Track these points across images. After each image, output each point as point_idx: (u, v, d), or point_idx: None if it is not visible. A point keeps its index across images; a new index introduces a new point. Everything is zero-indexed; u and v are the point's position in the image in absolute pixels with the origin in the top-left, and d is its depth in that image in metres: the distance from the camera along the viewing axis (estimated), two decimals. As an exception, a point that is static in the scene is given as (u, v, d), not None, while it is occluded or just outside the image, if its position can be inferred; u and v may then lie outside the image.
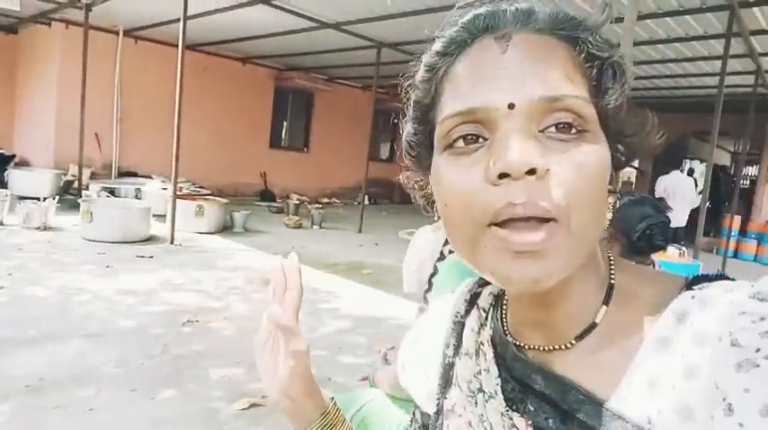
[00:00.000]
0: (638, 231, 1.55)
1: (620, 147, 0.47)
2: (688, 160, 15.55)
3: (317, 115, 12.92)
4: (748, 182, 12.93)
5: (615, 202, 0.47)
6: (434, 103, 0.47)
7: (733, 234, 9.39)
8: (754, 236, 9.75)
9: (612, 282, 0.48)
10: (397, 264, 7.02)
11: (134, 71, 9.55)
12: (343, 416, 0.64)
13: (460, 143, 0.43)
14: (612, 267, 0.49)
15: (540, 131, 0.41)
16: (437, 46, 0.47)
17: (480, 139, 0.42)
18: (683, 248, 3.80)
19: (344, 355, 3.34)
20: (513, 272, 0.40)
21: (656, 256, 1.80)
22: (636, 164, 0.51)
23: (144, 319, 3.65)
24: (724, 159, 14.14)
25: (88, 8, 7.76)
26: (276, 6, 6.89)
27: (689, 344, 0.40)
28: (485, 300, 0.57)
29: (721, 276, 0.45)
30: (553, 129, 0.41)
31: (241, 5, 6.98)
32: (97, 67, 8.61)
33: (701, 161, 13.08)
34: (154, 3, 7.32)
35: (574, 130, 0.41)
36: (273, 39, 8.73)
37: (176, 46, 6.21)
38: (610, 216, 0.46)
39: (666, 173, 8.41)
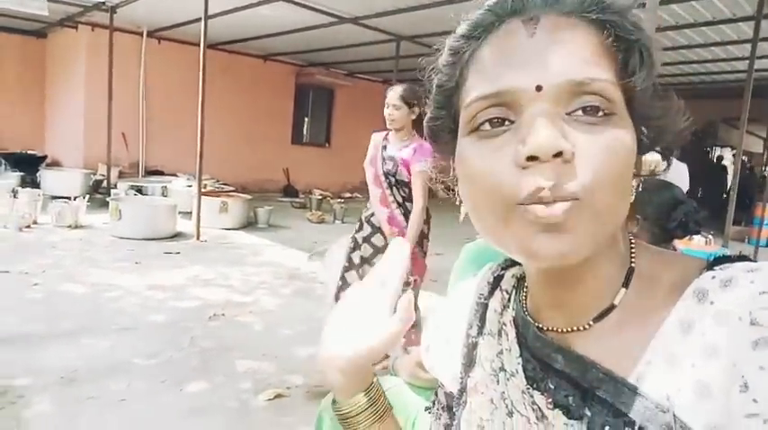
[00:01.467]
0: (675, 220, 1.54)
1: (645, 130, 0.46)
2: (718, 148, 15.16)
3: (338, 110, 12.97)
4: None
5: (639, 185, 0.47)
6: (459, 87, 0.47)
7: (766, 222, 9.12)
8: (787, 224, 9.44)
9: (633, 264, 0.48)
10: (419, 257, 6.83)
11: (158, 71, 9.73)
12: (382, 391, 0.61)
13: (487, 126, 0.43)
14: (633, 250, 0.49)
15: (567, 114, 0.41)
16: (462, 29, 0.47)
17: (507, 122, 0.42)
18: (710, 236, 3.71)
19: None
20: (541, 246, 0.41)
21: (681, 244, 1.78)
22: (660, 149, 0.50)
23: (173, 314, 3.74)
24: (756, 146, 13.72)
25: (113, 11, 7.93)
26: (295, 3, 6.93)
27: (709, 323, 0.40)
28: (508, 282, 0.58)
29: (742, 257, 0.45)
30: (580, 112, 0.41)
31: (260, 3, 7.04)
32: (123, 68, 8.80)
33: (732, 148, 12.73)
34: (176, 3, 7.44)
35: (601, 113, 0.41)
36: (293, 35, 8.78)
37: (198, 45, 6.31)
38: (632, 199, 0.46)
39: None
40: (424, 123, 0.53)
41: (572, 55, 0.41)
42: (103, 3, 7.85)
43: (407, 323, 0.55)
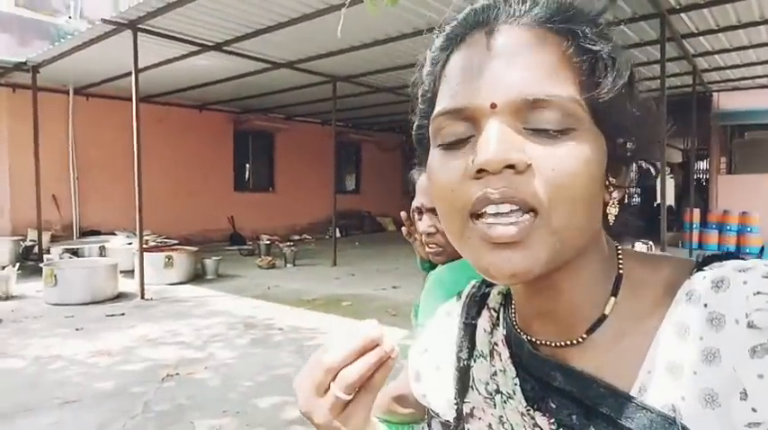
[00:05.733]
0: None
1: (622, 140, 0.45)
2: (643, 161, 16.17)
3: (280, 154, 12.92)
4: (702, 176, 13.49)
5: (623, 198, 0.47)
6: (435, 97, 0.47)
7: (695, 226, 9.73)
8: (714, 226, 10.12)
9: (621, 271, 0.47)
10: (376, 293, 7.00)
11: (88, 128, 9.40)
12: None
13: (450, 139, 0.44)
14: (620, 257, 0.48)
15: (524, 128, 0.41)
16: (438, 41, 0.47)
17: (469, 136, 0.43)
18: (650, 243, 3.93)
19: (333, 390, 3.28)
20: (491, 264, 0.41)
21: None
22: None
23: (122, 379, 3.51)
24: (677, 157, 14.74)
25: (35, 70, 7.66)
26: (228, 51, 6.95)
27: (706, 327, 0.39)
28: (494, 299, 0.57)
29: (731, 255, 0.45)
30: (538, 125, 0.41)
31: (192, 54, 7.01)
32: (49, 127, 8.45)
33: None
34: (103, 59, 7.27)
35: (561, 127, 0.40)
36: (228, 83, 8.76)
37: (130, 99, 6.17)
38: (615, 211, 0.46)
39: None
40: (413, 132, 0.54)
41: (529, 70, 0.41)
42: (24, 63, 7.58)
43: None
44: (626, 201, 0.48)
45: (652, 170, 0.49)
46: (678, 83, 9.01)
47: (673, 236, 9.87)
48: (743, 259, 0.43)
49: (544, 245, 0.40)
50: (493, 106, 0.41)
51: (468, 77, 0.43)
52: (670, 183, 12.41)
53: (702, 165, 13.52)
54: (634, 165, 0.48)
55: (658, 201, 7.56)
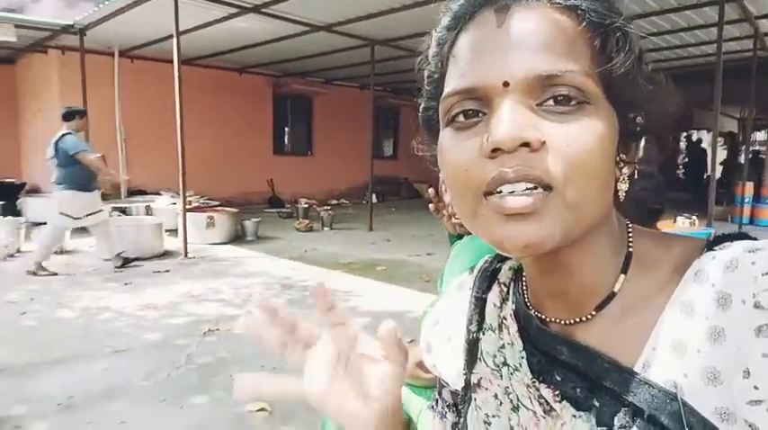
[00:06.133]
0: (631, 197, 1.55)
1: (633, 116, 0.45)
2: (695, 131, 15.43)
3: (318, 118, 12.95)
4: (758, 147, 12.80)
5: (633, 173, 0.47)
6: (443, 78, 0.47)
7: (747, 200, 9.30)
8: (768, 201, 9.65)
9: (630, 250, 0.47)
10: (410, 259, 7.06)
11: (133, 90, 9.63)
12: None
13: (461, 118, 0.44)
14: (631, 235, 0.48)
15: (538, 105, 0.41)
16: (444, 20, 0.47)
17: (480, 114, 0.43)
18: (694, 217, 3.78)
19: (366, 351, 3.37)
20: (506, 236, 0.41)
21: (665, 228, 1.81)
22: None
23: (167, 332, 3.71)
24: (731, 126, 14.01)
25: (82, 33, 7.85)
26: (266, 14, 6.93)
27: (712, 306, 0.40)
28: (505, 275, 0.58)
29: (742, 235, 0.45)
30: (551, 102, 0.41)
31: (231, 16, 7.03)
32: (96, 89, 8.69)
33: (708, 131, 12.96)
34: (146, 22, 7.39)
35: (573, 102, 0.41)
36: (267, 46, 8.77)
37: (172, 62, 6.27)
38: (625, 187, 0.46)
39: None
40: (419, 113, 0.54)
41: (540, 46, 0.40)
42: (72, 26, 7.77)
43: (400, 358, 0.47)
44: (636, 176, 0.47)
45: (659, 147, 0.48)
46: (738, 47, 8.47)
47: (722, 210, 9.48)
48: (754, 240, 0.43)
49: (558, 218, 0.41)
50: (505, 84, 0.40)
51: (479, 56, 0.42)
52: (721, 155, 11.85)
53: (759, 135, 12.82)
54: (644, 141, 0.47)
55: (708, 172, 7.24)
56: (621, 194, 0.47)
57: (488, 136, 0.40)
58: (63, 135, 5.24)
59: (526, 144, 0.39)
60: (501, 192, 0.40)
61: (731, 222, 9.23)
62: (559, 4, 0.42)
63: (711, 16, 6.52)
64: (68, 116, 5.38)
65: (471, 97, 0.43)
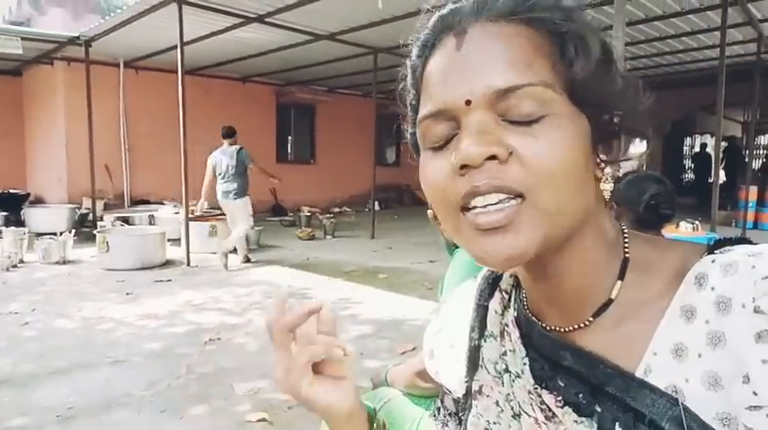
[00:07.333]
0: (643, 202, 1.54)
1: (608, 116, 0.45)
2: (698, 135, 15.38)
3: (321, 126, 12.99)
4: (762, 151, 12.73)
5: (614, 173, 0.46)
6: (419, 104, 0.49)
7: (750, 205, 9.23)
8: (772, 205, 9.57)
9: (627, 255, 0.47)
10: (412, 266, 7.02)
11: (138, 100, 9.70)
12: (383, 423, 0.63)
13: (435, 140, 0.45)
14: (626, 241, 0.48)
15: (502, 118, 0.42)
16: (414, 49, 0.50)
17: (453, 135, 0.44)
18: (697, 222, 3.75)
19: (368, 360, 3.35)
20: (485, 251, 0.42)
21: (668, 232, 1.79)
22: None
23: (168, 341, 3.69)
24: (734, 130, 13.94)
25: (87, 44, 7.92)
26: (270, 24, 6.97)
27: (712, 310, 0.40)
28: (506, 282, 0.58)
29: (743, 240, 0.45)
30: (514, 114, 0.42)
31: (235, 26, 7.08)
32: (102, 100, 8.76)
33: (712, 135, 12.90)
34: (150, 33, 7.45)
35: (536, 113, 0.41)
36: (270, 55, 8.82)
37: (176, 72, 6.31)
38: (609, 187, 0.46)
39: None
40: (407, 140, 0.56)
41: (498, 63, 0.42)
42: (77, 38, 7.85)
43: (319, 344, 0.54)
44: (621, 176, 0.48)
45: (638, 141, 0.49)
46: (741, 51, 8.46)
47: (726, 215, 9.41)
48: (754, 244, 0.43)
49: (533, 226, 0.41)
50: (467, 103, 0.42)
51: (443, 79, 0.44)
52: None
53: (762, 140, 12.76)
54: (624, 139, 0.47)
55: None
56: (606, 194, 0.47)
57: (455, 154, 0.42)
58: (240, 149, 6.27)
59: (493, 157, 0.41)
60: (475, 208, 0.42)
61: (734, 227, 9.16)
62: (513, 19, 0.43)
63: (714, 20, 6.52)
64: (231, 133, 6.38)
65: (441, 119, 0.44)
